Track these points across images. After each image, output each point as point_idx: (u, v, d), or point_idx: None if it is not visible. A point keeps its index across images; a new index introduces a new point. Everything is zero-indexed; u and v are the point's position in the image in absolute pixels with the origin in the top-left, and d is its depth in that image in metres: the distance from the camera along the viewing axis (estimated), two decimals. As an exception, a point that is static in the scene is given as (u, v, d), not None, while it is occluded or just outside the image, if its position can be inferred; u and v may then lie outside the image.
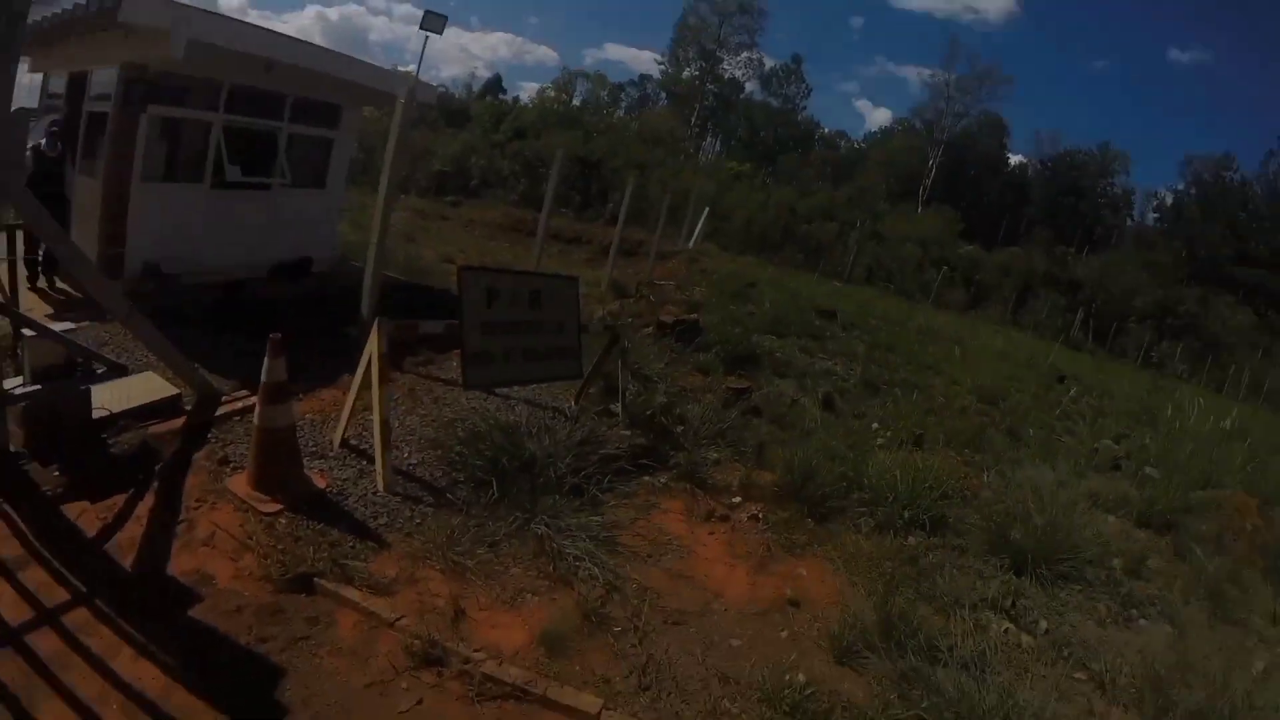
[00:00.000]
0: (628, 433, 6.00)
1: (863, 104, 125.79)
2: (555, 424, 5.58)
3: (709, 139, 68.05)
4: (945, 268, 34.79)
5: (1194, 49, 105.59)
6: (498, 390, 6.17)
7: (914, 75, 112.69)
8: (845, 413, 8.34)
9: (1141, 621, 5.76)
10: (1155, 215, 63.25)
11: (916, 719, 3.68)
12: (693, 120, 62.95)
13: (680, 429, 6.27)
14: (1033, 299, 36.99)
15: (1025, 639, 5.01)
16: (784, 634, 4.30)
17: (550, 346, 5.91)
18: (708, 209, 24.97)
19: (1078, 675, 4.74)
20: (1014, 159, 65.44)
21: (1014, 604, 5.39)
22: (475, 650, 3.42)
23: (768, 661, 3.90)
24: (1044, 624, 5.27)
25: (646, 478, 5.62)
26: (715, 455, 6.08)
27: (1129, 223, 63.61)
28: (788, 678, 3.72)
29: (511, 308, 5.65)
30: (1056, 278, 40.09)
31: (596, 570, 4.32)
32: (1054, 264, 41.41)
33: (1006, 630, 5.05)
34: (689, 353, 8.24)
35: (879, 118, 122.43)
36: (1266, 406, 21.27)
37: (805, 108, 70.04)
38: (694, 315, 9.32)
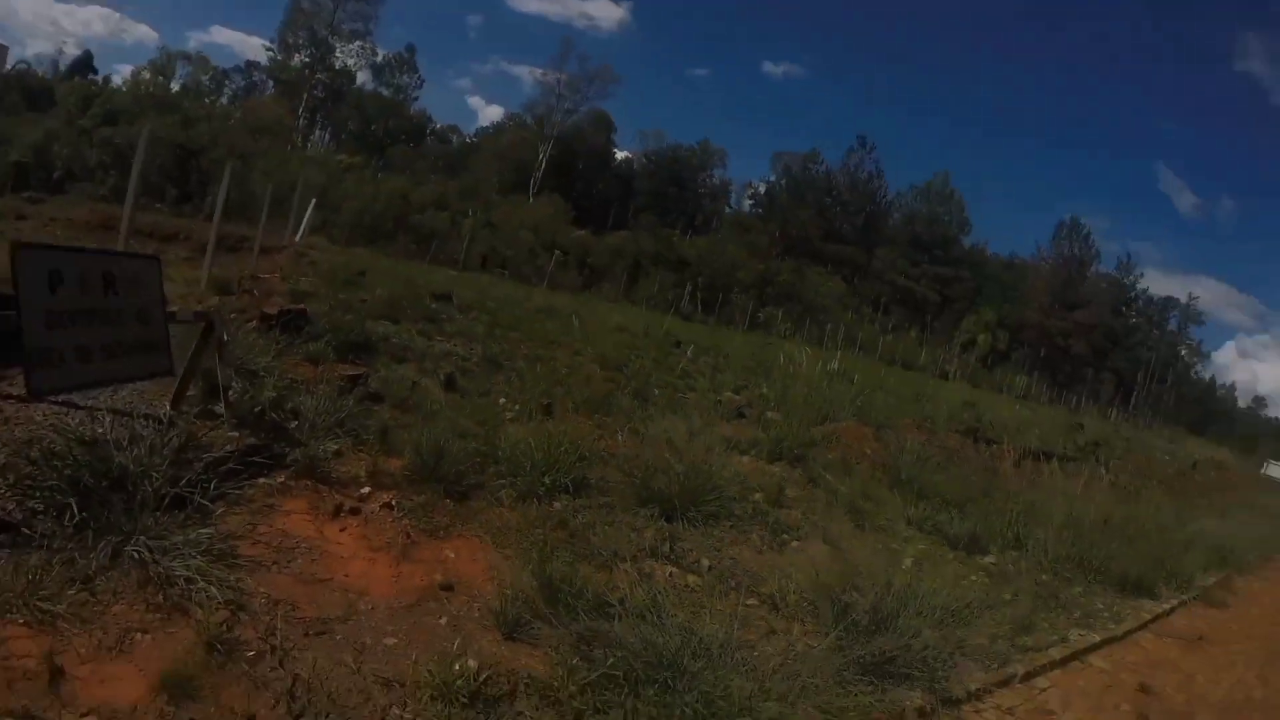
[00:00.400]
0: (235, 433, 5.46)
1: (475, 100, 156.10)
2: (149, 431, 4.83)
3: (318, 130, 71.16)
4: (558, 252, 38.26)
5: (784, 63, 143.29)
6: (78, 399, 5.20)
7: (527, 74, 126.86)
8: (470, 392, 8.71)
9: (794, 544, 6.64)
10: (751, 203, 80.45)
11: (605, 677, 3.89)
12: (301, 110, 65.12)
13: (295, 423, 6.06)
14: (644, 277, 42.56)
15: (691, 579, 5.63)
16: (443, 621, 4.36)
17: (133, 340, 5.17)
18: (314, 201, 24.39)
19: (750, 602, 5.32)
20: (621, 154, 77.95)
21: (672, 548, 6.17)
22: (83, 715, 3.08)
23: (432, 654, 3.89)
24: (706, 562, 5.89)
25: (262, 479, 5.21)
26: (336, 447, 5.93)
27: (727, 210, 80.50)
28: (458, 667, 3.73)
29: (82, 294, 4.76)
30: (665, 257, 46.87)
31: (214, 590, 3.79)
32: (661, 245, 48.55)
33: (671, 574, 5.59)
34: (298, 344, 8.05)
35: (492, 114, 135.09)
36: (860, 356, 26.38)
37: (418, 98, 76.29)
38: (301, 305, 8.97)
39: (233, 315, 8.52)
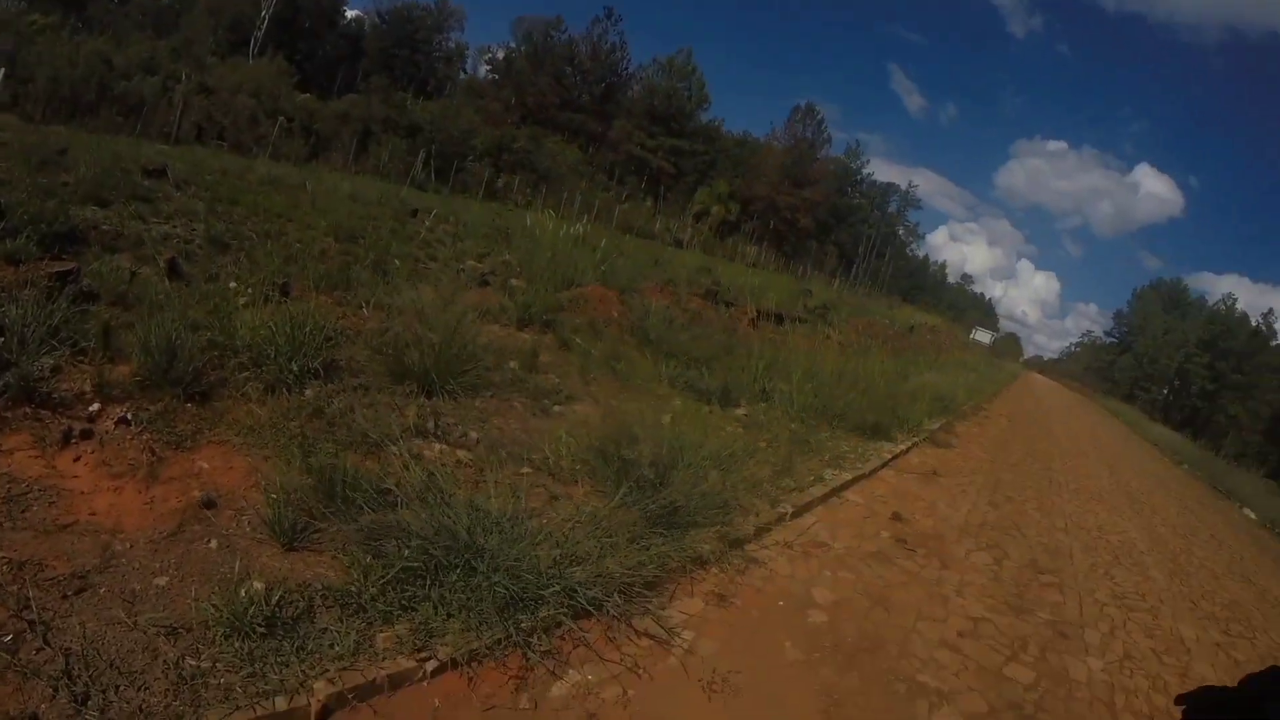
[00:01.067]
0: None
1: None
2: None
3: None
4: (281, 119, 34.88)
5: None
6: None
7: None
8: (197, 278, 7.64)
9: (557, 408, 6.62)
10: (488, 69, 77.30)
11: (404, 571, 3.71)
12: None
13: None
14: (374, 145, 39.88)
15: (462, 454, 5.49)
16: (212, 544, 3.90)
17: None
18: (1, 70, 20.15)
19: (525, 470, 5.23)
20: (351, 13, 71.35)
21: (437, 425, 5.91)
22: None
23: (211, 585, 3.49)
24: (474, 434, 5.70)
25: None
26: (52, 361, 4.85)
27: (462, 75, 76.87)
28: (244, 593, 3.36)
29: None
30: (396, 123, 44.33)
31: None
32: (392, 109, 45.89)
33: (441, 451, 5.34)
34: None
35: None
36: (599, 223, 26.60)
37: None
38: None
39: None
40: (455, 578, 3.64)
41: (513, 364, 7.59)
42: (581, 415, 6.74)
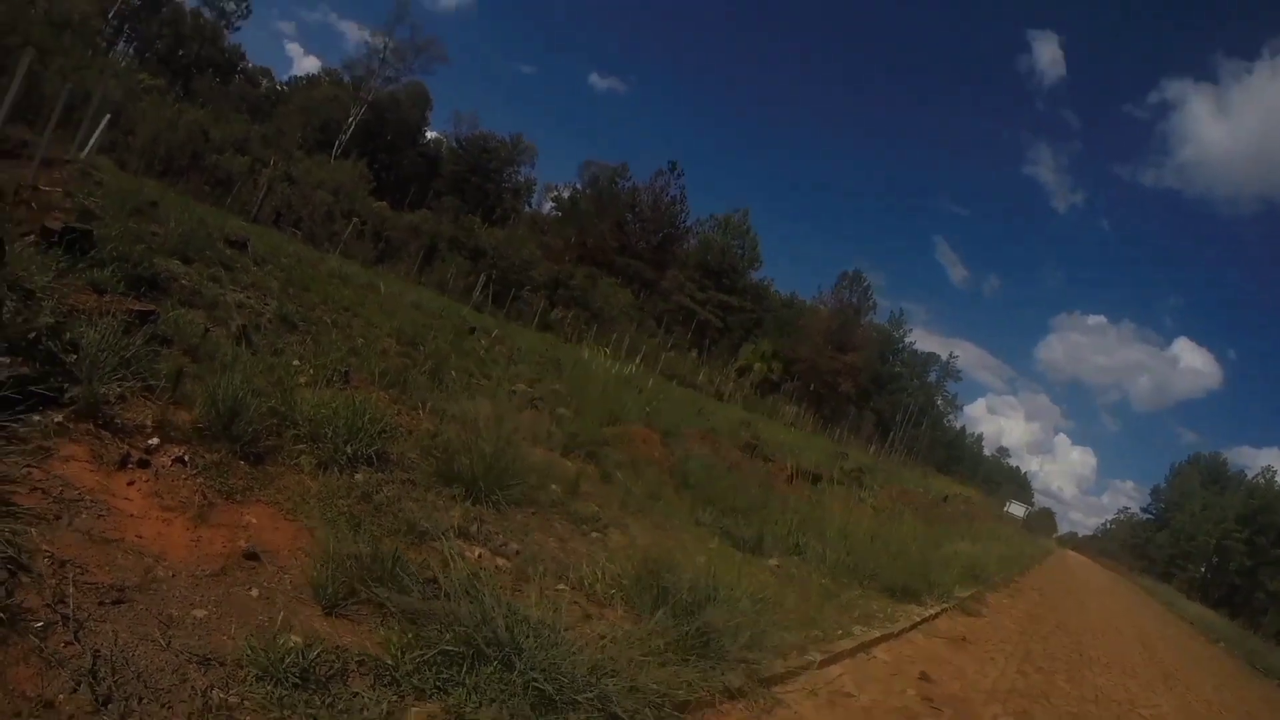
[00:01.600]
0: (5, 359, 4.68)
1: (295, 47, 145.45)
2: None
3: (123, 42, 62.22)
4: (356, 220, 36.75)
5: (611, 78, 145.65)
6: None
7: (354, 31, 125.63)
8: (262, 349, 7.99)
9: (594, 534, 6.70)
10: (553, 205, 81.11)
11: (442, 655, 3.77)
12: (111, 14, 56.50)
13: (74, 358, 5.19)
14: (439, 260, 41.57)
15: (501, 561, 5.50)
16: (254, 593, 3.99)
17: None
18: (108, 117, 21.69)
19: (560, 587, 5.23)
20: (431, 133, 76.54)
21: (480, 529, 5.95)
22: None
23: (249, 629, 3.54)
24: (514, 545, 5.72)
25: (36, 417, 4.38)
26: (119, 390, 5.14)
27: (527, 208, 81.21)
28: (281, 642, 3.42)
29: None
30: (462, 243, 46.44)
31: None
32: (460, 230, 48.30)
33: (480, 555, 5.32)
34: (81, 268, 7.03)
35: (308, 65, 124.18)
36: (645, 367, 27.22)
37: (240, 28, 69.99)
38: (88, 226, 7.91)
39: (7, 226, 7.48)
40: (492, 669, 3.68)
41: (555, 487, 7.73)
42: (619, 544, 6.84)
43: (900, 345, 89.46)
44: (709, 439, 15.09)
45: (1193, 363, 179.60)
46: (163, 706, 2.93)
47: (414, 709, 3.47)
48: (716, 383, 52.08)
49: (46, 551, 3.46)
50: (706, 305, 70.88)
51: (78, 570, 3.46)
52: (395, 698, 3.51)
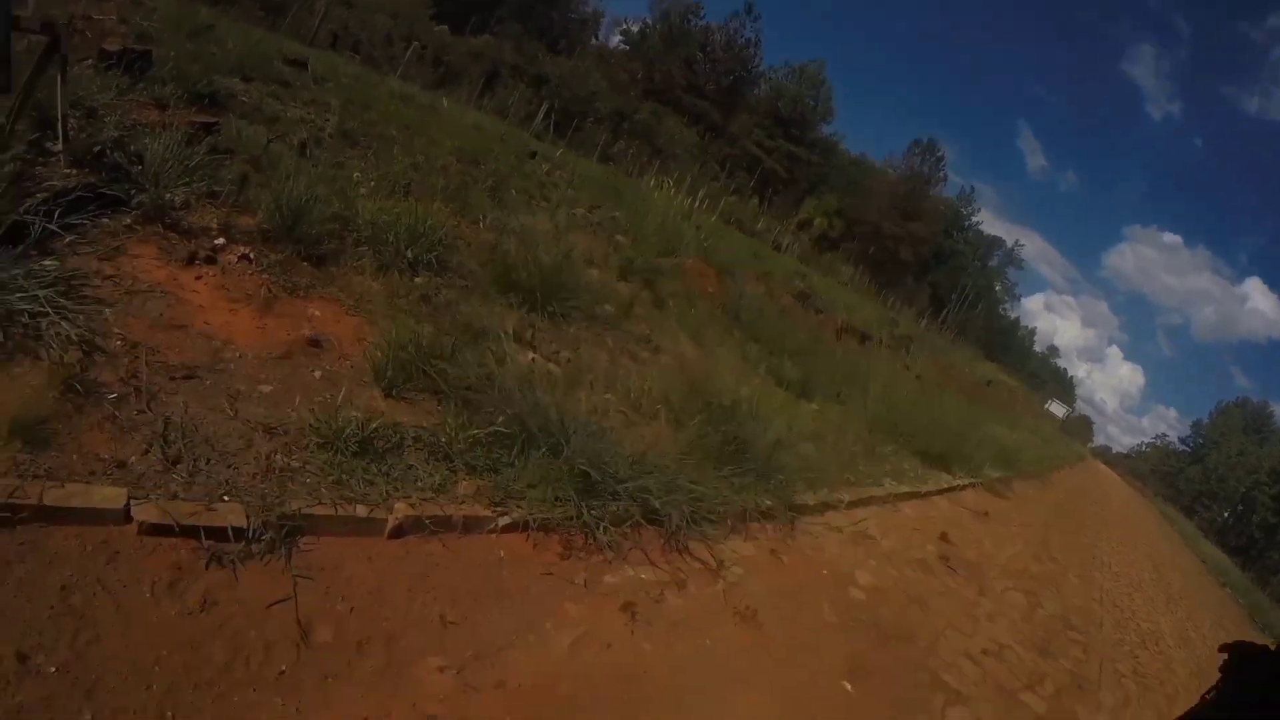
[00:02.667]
0: (72, 170, 4.82)
1: None
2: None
3: None
4: (415, 44, 35.70)
5: None
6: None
7: None
8: (323, 161, 8.01)
9: (644, 354, 6.78)
10: (621, 39, 76.69)
11: (495, 435, 3.96)
12: None
13: (138, 168, 5.31)
14: (501, 87, 40.34)
15: (553, 368, 5.53)
16: (317, 375, 4.21)
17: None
18: None
19: (607, 395, 5.35)
20: None
21: (533, 337, 5.88)
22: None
23: (312, 404, 3.75)
24: (565, 354, 5.80)
25: (105, 220, 4.55)
26: (185, 195, 5.30)
27: (594, 41, 75.58)
28: (342, 416, 3.64)
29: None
30: (524, 71, 45.18)
31: (65, 326, 3.30)
32: (523, 58, 46.44)
33: (533, 359, 5.43)
34: (140, 88, 7.03)
35: None
36: (704, 207, 26.82)
37: None
38: (146, 47, 7.85)
39: (68, 46, 7.48)
40: (541, 454, 3.91)
41: (609, 307, 7.84)
42: (667, 365, 6.99)
43: (966, 223, 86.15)
44: (764, 282, 15.04)
45: (1261, 305, 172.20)
46: (229, 467, 3.17)
47: (464, 481, 3.73)
48: (775, 233, 51.17)
49: (119, 335, 3.66)
50: (773, 154, 68.56)
51: (149, 351, 3.65)
52: (448, 471, 3.77)
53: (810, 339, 12.20)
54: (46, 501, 2.60)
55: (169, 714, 2.20)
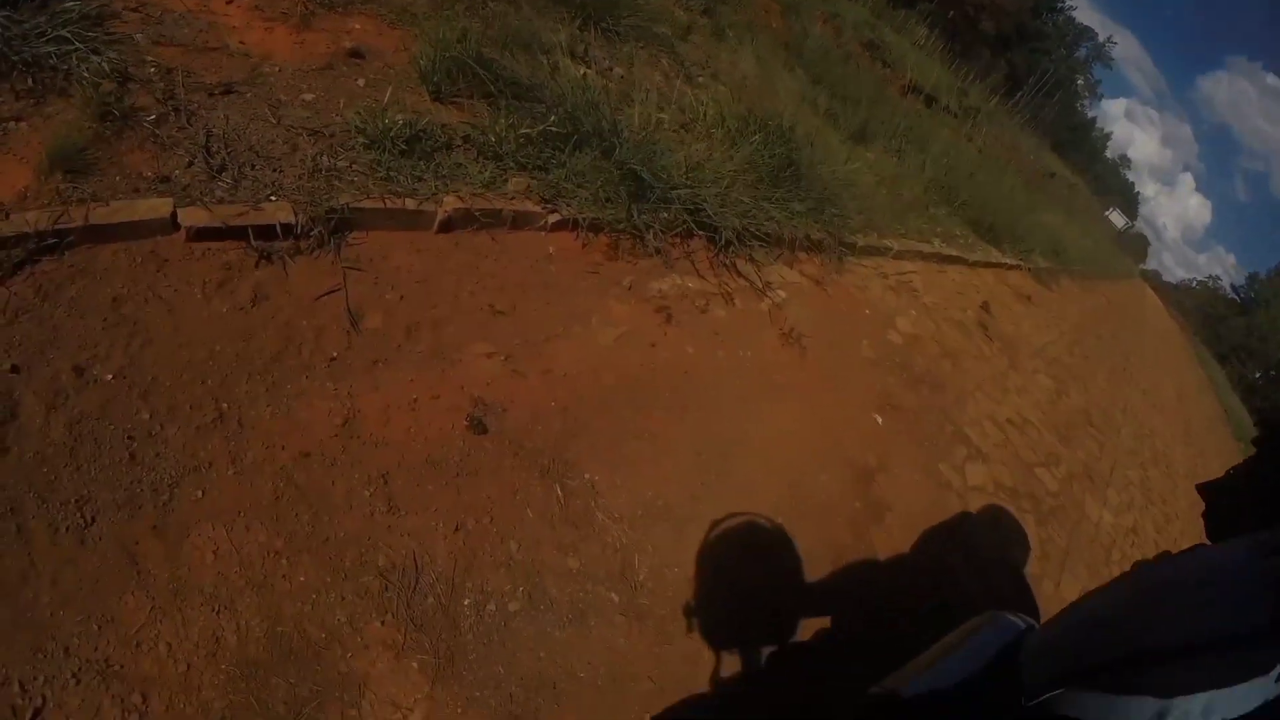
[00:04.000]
0: None
1: None
2: None
3: None
4: None
5: None
6: None
7: None
8: None
9: (700, 79, 6.48)
10: None
11: (546, 135, 3.85)
12: None
13: None
14: None
15: (607, 83, 5.21)
16: (360, 83, 4.02)
17: None
18: None
19: (661, 115, 5.12)
20: None
21: (587, 52, 5.56)
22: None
23: (356, 109, 3.61)
24: (619, 71, 5.52)
25: None
26: None
27: None
28: (388, 119, 3.51)
29: None
30: None
31: (96, 60, 3.13)
32: None
33: (585, 75, 5.16)
34: None
35: None
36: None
37: None
38: None
39: None
40: (593, 155, 3.81)
41: (665, 28, 7.41)
42: (721, 93, 6.69)
43: (1058, 5, 79.33)
44: (833, 26, 14.12)
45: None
46: (274, 170, 3.10)
47: (515, 178, 3.66)
48: (848, -20, 47.67)
49: (152, 62, 3.47)
50: (853, -106, 62.55)
51: (185, 74, 3.48)
52: (497, 169, 3.68)
53: (874, 90, 11.55)
54: (92, 221, 2.56)
55: (224, 405, 2.28)
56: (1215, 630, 1.06)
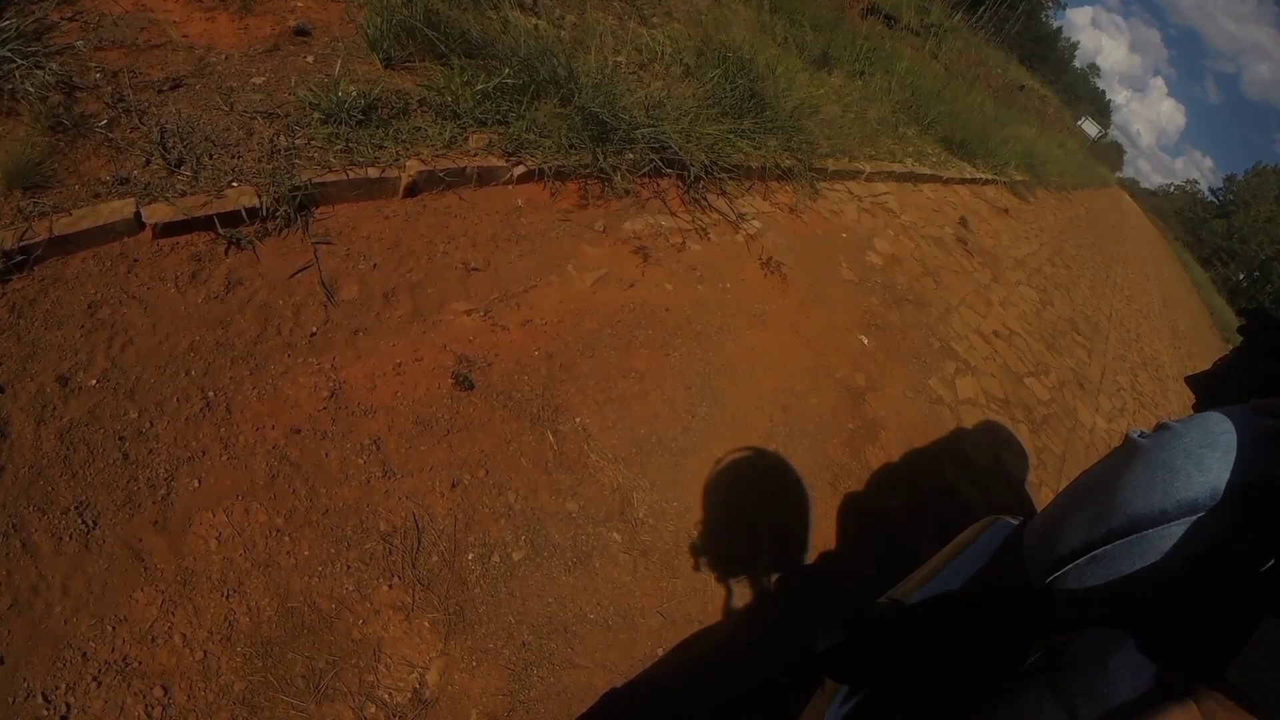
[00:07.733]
0: None
1: None
2: None
3: None
4: None
5: None
6: None
7: None
8: None
9: (654, 18, 6.45)
10: None
11: (502, 88, 3.81)
12: None
13: None
14: None
15: (559, 32, 5.12)
16: (310, 59, 3.98)
17: None
18: None
19: (617, 58, 5.08)
20: None
21: (535, 4, 5.53)
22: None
23: (308, 86, 3.56)
24: (570, 19, 5.44)
25: None
26: None
27: None
28: (341, 91, 3.49)
29: None
30: None
31: (39, 73, 3.04)
32: None
33: (536, 26, 5.06)
34: None
35: None
36: None
37: None
38: None
39: None
40: (552, 105, 3.77)
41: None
42: (677, 30, 6.60)
43: None
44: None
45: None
46: (233, 157, 3.06)
47: (475, 135, 3.62)
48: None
49: (96, 67, 3.41)
50: None
51: (131, 74, 3.43)
52: (457, 128, 3.65)
53: (833, 14, 11.40)
54: (57, 232, 2.53)
55: (210, 393, 2.28)
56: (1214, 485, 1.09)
